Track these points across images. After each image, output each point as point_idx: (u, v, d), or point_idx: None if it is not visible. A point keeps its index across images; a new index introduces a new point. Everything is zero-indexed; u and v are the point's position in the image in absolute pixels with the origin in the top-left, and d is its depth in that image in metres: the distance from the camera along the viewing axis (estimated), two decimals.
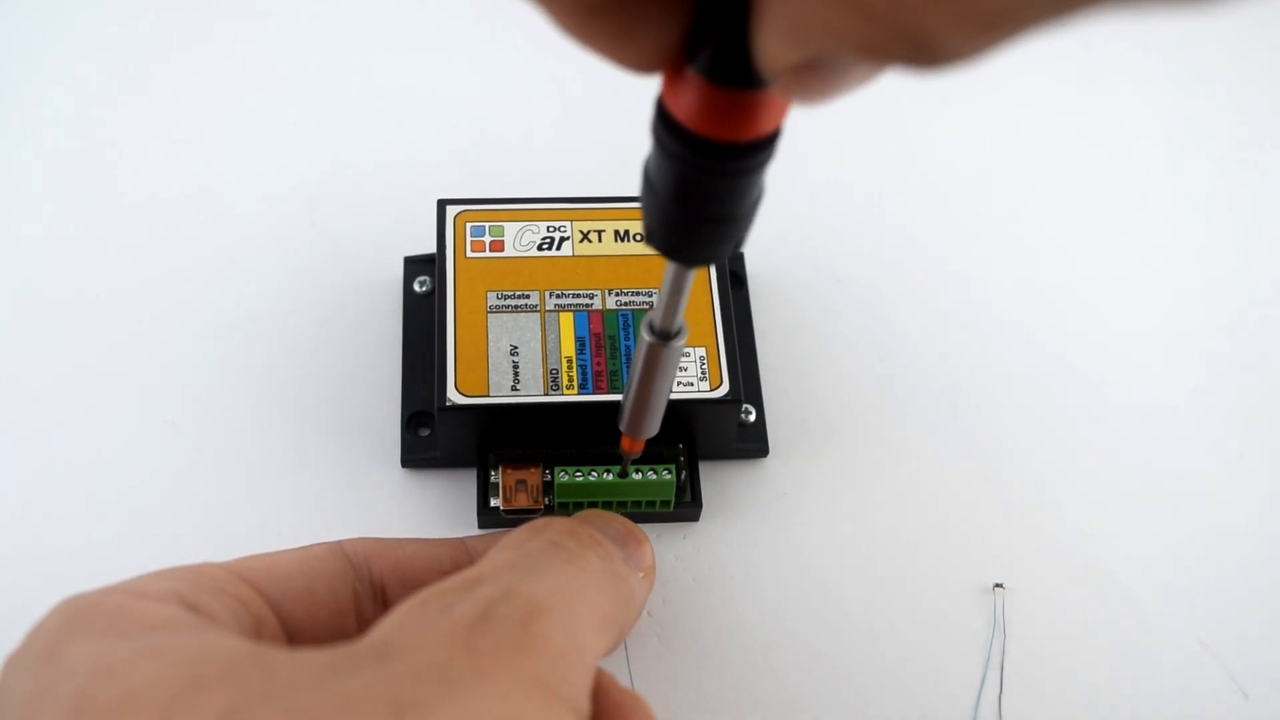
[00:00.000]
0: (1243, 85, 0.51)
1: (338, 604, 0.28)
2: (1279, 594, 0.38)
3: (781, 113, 0.22)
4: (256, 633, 0.26)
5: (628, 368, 0.36)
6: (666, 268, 0.26)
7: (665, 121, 0.22)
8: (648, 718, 0.26)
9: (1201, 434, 0.42)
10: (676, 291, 0.27)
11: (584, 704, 0.24)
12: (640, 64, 0.21)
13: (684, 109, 0.21)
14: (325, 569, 0.29)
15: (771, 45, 0.18)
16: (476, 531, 0.37)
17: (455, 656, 0.22)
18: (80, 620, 0.24)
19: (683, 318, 0.29)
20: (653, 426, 0.33)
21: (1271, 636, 0.38)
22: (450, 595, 0.24)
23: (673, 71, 0.21)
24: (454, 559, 0.31)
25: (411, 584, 0.29)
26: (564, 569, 0.27)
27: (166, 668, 0.22)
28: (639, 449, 0.34)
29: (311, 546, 0.30)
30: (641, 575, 0.31)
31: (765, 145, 0.22)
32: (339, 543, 0.30)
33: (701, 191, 0.23)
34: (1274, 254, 0.46)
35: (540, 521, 0.30)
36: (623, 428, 0.33)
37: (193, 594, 0.25)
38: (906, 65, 0.17)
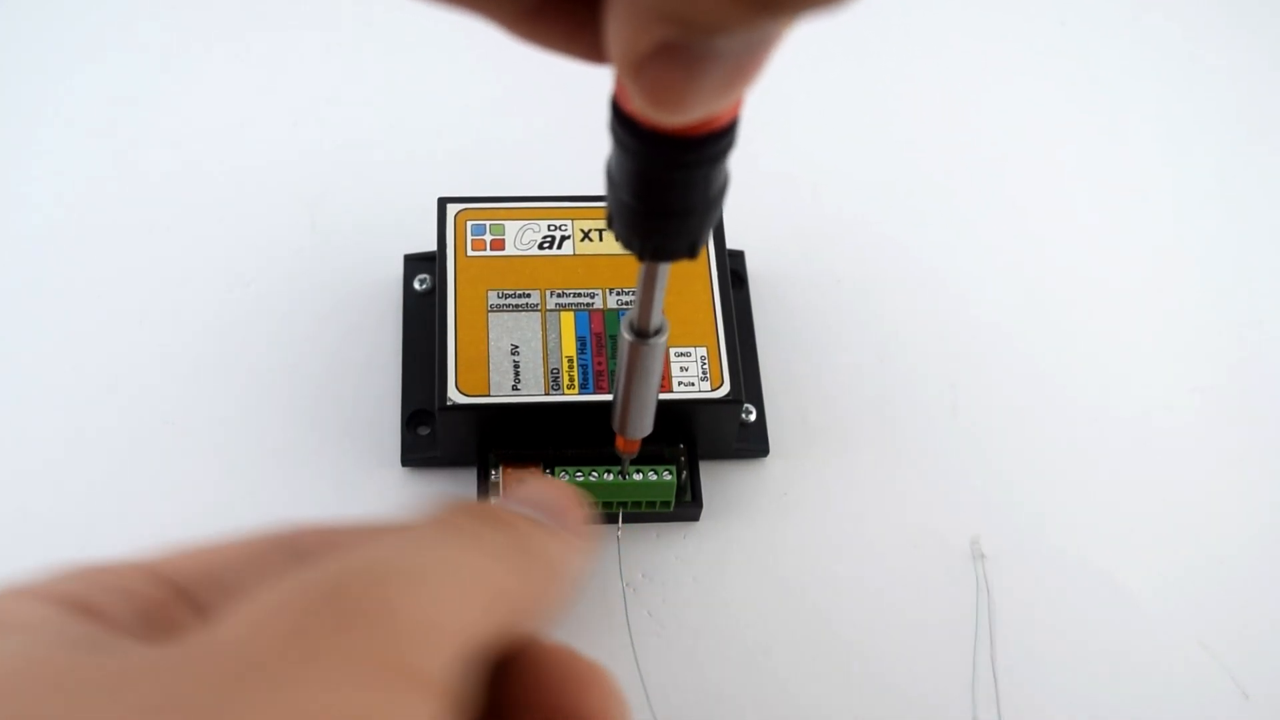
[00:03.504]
0: (1244, 82, 0.51)
1: None
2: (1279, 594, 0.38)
3: (735, 104, 0.22)
4: (168, 634, 0.23)
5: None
6: (640, 265, 0.27)
7: (620, 117, 0.22)
8: (610, 690, 0.24)
9: (1203, 434, 0.42)
10: (651, 288, 0.27)
11: (452, 683, 0.21)
12: (596, 57, 0.20)
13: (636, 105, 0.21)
14: (266, 565, 0.25)
15: (622, 27, 0.17)
16: None
17: (285, 644, 0.20)
18: None
19: (662, 315, 0.28)
20: (645, 425, 0.33)
21: (1272, 637, 0.38)
22: (305, 574, 0.21)
23: None
24: None
25: None
26: (447, 540, 0.23)
27: None
28: (635, 448, 0.34)
29: (257, 539, 0.26)
30: (568, 546, 0.26)
31: (719, 138, 0.22)
32: (295, 534, 0.26)
33: (658, 186, 0.23)
34: (1275, 252, 0.46)
35: (449, 500, 0.26)
36: (616, 428, 0.33)
37: (88, 592, 0.23)
38: (769, 15, 0.15)
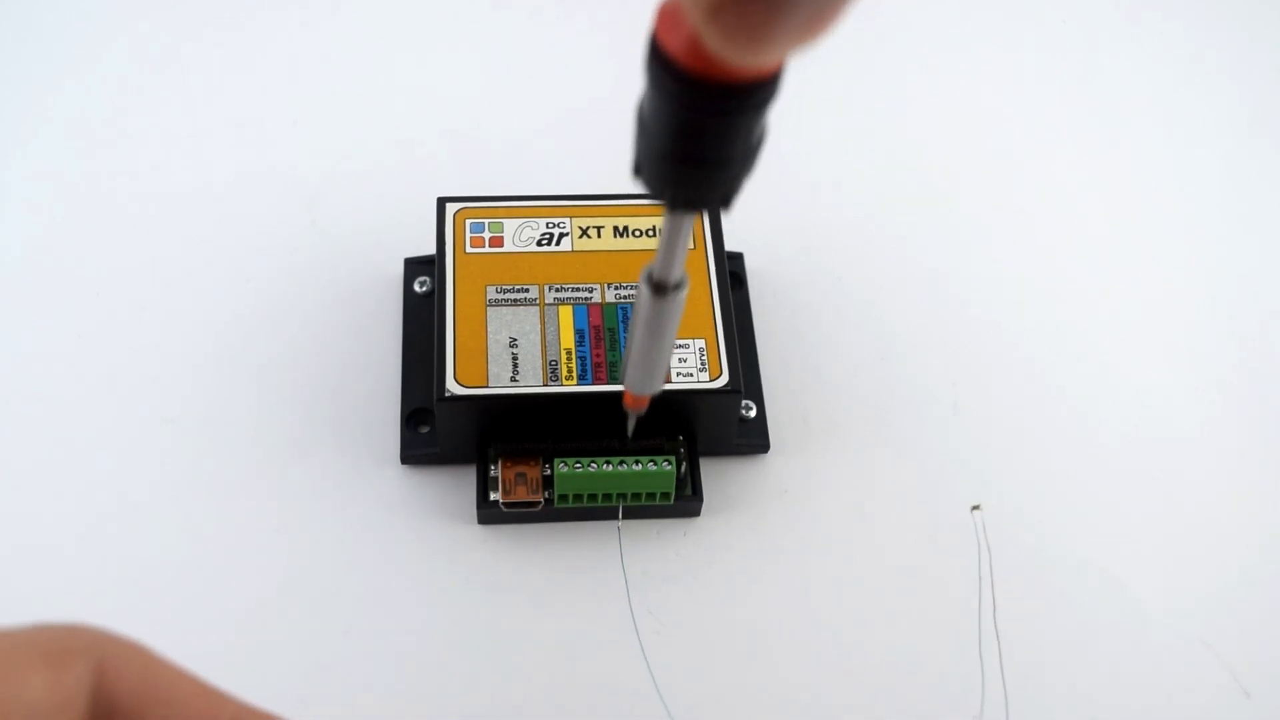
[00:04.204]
0: (1249, 81, 0.51)
1: None
2: None
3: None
4: None
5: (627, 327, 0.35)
6: (665, 214, 0.25)
7: (659, 59, 0.21)
8: None
9: (1207, 433, 0.41)
10: (675, 239, 0.26)
11: None
12: None
13: (677, 44, 0.20)
14: None
15: None
16: (475, 526, 0.37)
17: None
18: None
19: (683, 269, 0.27)
20: (655, 383, 0.31)
21: (1274, 635, 0.37)
22: None
23: None
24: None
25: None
26: None
27: None
28: (643, 405, 0.32)
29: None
30: None
31: (765, 85, 0.21)
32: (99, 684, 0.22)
33: (697, 133, 0.22)
34: (1278, 251, 0.46)
35: None
36: (624, 383, 0.32)
37: None
38: None
